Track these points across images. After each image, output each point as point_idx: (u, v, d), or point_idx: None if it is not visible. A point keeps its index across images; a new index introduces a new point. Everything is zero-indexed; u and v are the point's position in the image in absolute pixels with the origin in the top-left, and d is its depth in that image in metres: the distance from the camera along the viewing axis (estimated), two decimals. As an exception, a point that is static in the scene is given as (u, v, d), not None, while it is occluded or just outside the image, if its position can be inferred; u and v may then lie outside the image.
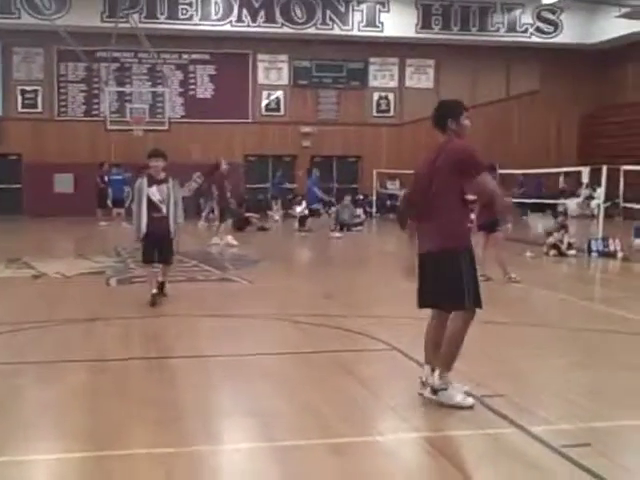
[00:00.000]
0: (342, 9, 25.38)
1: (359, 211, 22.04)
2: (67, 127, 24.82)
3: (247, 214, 20.10)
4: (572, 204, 21.62)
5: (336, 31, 25.42)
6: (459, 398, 4.76)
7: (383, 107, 27.26)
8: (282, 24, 25.01)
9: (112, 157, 23.77)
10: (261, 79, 26.36)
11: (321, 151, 26.43)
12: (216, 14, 24.62)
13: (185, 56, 25.82)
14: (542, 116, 26.66)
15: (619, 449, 4.27)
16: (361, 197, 25.90)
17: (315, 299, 9.16)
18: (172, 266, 9.07)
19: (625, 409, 4.88)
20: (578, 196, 21.25)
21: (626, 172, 16.46)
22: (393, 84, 27.21)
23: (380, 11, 25.59)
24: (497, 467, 3.94)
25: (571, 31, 26.46)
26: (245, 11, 24.73)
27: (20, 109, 24.95)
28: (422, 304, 4.97)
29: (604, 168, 14.50)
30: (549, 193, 23.93)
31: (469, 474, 3.90)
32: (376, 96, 27.17)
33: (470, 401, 4.78)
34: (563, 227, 14.19)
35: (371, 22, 25.56)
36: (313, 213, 19.48)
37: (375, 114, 27.19)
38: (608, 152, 22.91)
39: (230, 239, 15.52)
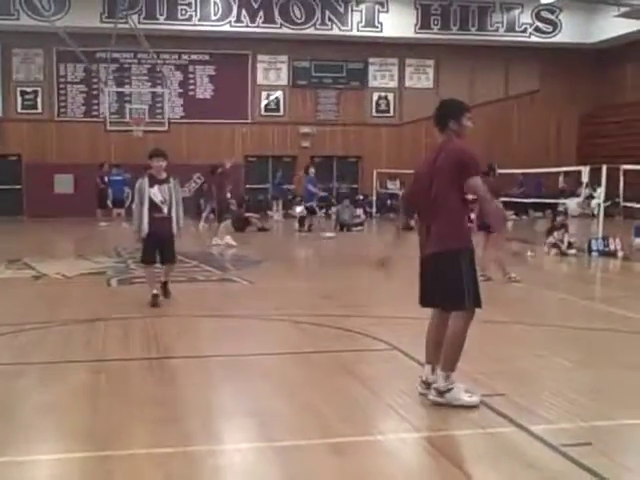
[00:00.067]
0: (341, 9, 25.37)
1: (359, 211, 22.05)
2: (67, 128, 24.84)
3: (247, 214, 20.12)
4: (572, 204, 21.59)
5: (335, 31, 25.40)
6: (466, 397, 4.77)
7: (383, 107, 27.25)
8: (281, 24, 25.00)
9: (112, 158, 23.82)
10: (260, 79, 26.34)
11: (321, 151, 26.41)
12: (215, 15, 24.62)
13: (184, 57, 25.81)
14: (541, 116, 26.70)
15: (620, 448, 4.26)
16: (361, 197, 25.91)
17: (315, 299, 9.15)
18: (174, 266, 9.05)
19: (626, 408, 4.88)
20: (578, 196, 21.22)
21: (626, 171, 16.45)
22: (393, 84, 27.20)
23: (379, 11, 25.57)
24: (497, 466, 3.94)
25: (570, 31, 26.45)
26: (244, 11, 24.72)
27: (20, 110, 24.95)
28: (423, 303, 4.99)
29: (604, 167, 14.51)
30: (549, 193, 23.95)
31: (470, 473, 3.89)
32: (376, 96, 27.14)
33: (476, 399, 4.80)
34: (563, 226, 14.20)
35: (370, 22, 25.54)
36: (309, 212, 19.36)
37: (375, 114, 27.17)
38: (607, 152, 22.93)
39: (229, 239, 15.52)
